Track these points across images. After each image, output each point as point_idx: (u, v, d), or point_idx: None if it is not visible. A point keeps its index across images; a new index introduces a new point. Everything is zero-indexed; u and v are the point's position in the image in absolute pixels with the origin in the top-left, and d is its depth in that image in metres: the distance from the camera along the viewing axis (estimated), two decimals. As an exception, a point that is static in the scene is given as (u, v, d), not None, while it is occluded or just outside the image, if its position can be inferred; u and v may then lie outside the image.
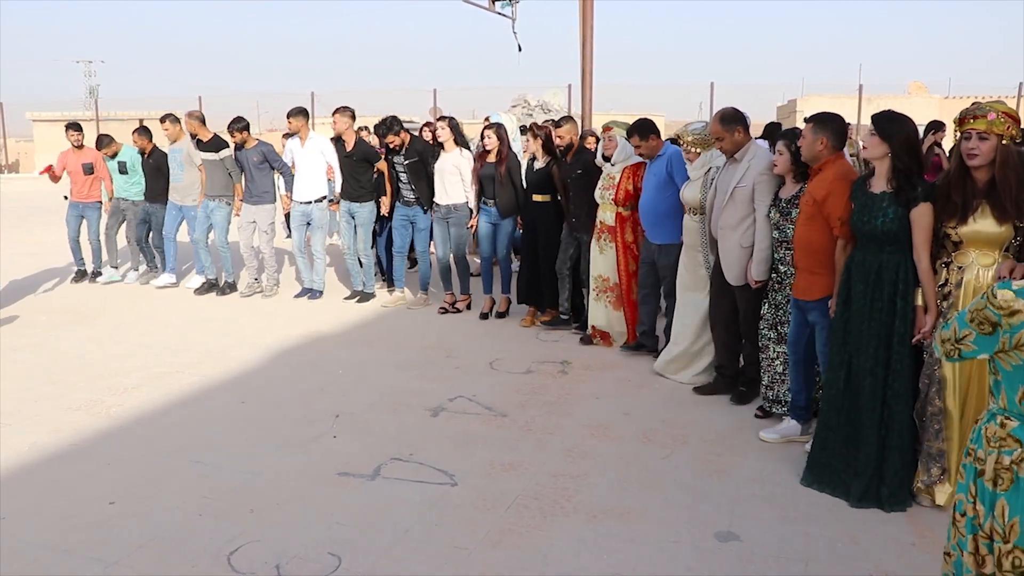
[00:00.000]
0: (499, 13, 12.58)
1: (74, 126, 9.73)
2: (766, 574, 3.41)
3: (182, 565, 3.50)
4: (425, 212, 8.10)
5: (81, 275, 9.94)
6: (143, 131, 9.56)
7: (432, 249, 8.46)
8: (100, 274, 9.93)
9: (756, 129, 6.12)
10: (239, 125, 8.67)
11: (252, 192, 8.79)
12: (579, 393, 5.71)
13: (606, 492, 4.16)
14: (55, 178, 9.60)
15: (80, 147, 9.70)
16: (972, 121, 3.67)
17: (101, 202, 9.85)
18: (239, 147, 8.81)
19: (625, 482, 4.27)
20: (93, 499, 4.10)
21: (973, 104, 3.76)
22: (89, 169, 9.66)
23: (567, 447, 4.75)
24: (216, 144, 8.93)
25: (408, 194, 8.13)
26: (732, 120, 5.19)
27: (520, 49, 12.87)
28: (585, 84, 11.64)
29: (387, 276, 9.03)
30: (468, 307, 8.22)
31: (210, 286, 9.27)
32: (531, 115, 24.87)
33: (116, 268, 10.04)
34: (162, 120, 9.23)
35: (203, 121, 9.01)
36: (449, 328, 7.55)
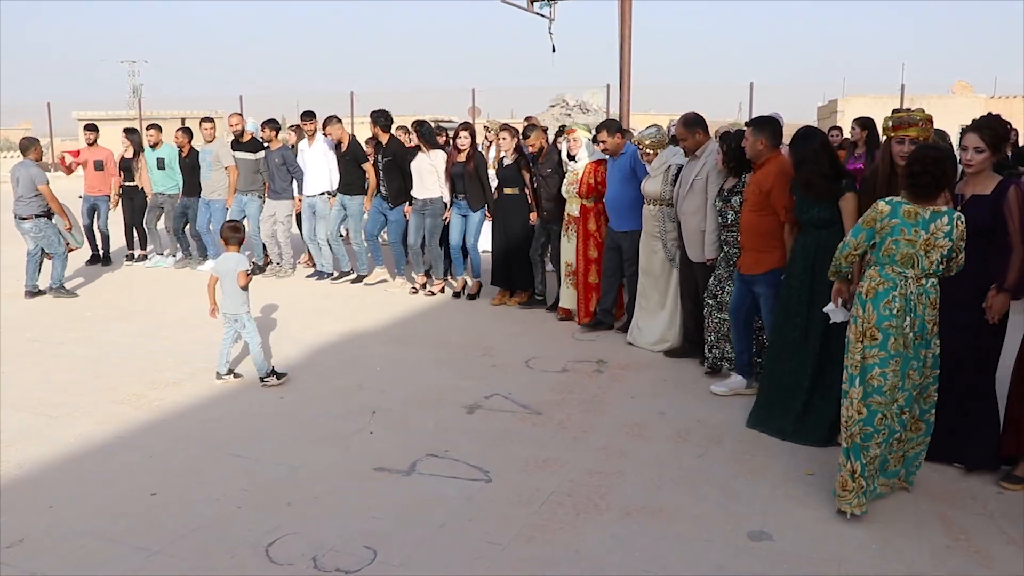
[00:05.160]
0: (538, 13, 12.55)
1: (90, 127, 10.90)
2: (798, 574, 3.41)
3: (222, 555, 3.58)
4: (392, 208, 9.02)
5: (95, 259, 10.97)
6: (185, 131, 10.47)
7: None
8: (110, 259, 11.05)
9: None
10: (273, 125, 9.76)
11: (273, 189, 9.88)
12: (614, 392, 5.73)
13: (639, 490, 4.18)
14: (67, 169, 10.71)
15: (92, 144, 10.76)
16: (907, 128, 4.44)
17: (110, 196, 10.80)
18: (266, 145, 9.79)
19: (659, 480, 4.29)
20: (136, 489, 4.21)
21: (905, 112, 4.51)
22: (99, 165, 10.62)
23: (601, 445, 4.77)
24: (254, 145, 9.93)
25: (383, 189, 9.07)
26: (693, 124, 6.08)
27: (554, 50, 12.84)
28: (623, 85, 11.58)
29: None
30: (442, 291, 9.04)
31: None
32: (569, 115, 24.88)
33: (162, 255, 11.02)
34: (203, 121, 10.30)
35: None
36: (486, 326, 7.60)
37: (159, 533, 3.76)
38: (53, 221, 8.71)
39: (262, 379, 5.87)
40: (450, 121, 21.29)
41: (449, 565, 3.49)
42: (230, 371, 6.02)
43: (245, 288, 5.92)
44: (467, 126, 8.59)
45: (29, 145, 8.87)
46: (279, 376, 5.92)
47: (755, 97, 22.62)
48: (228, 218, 10.07)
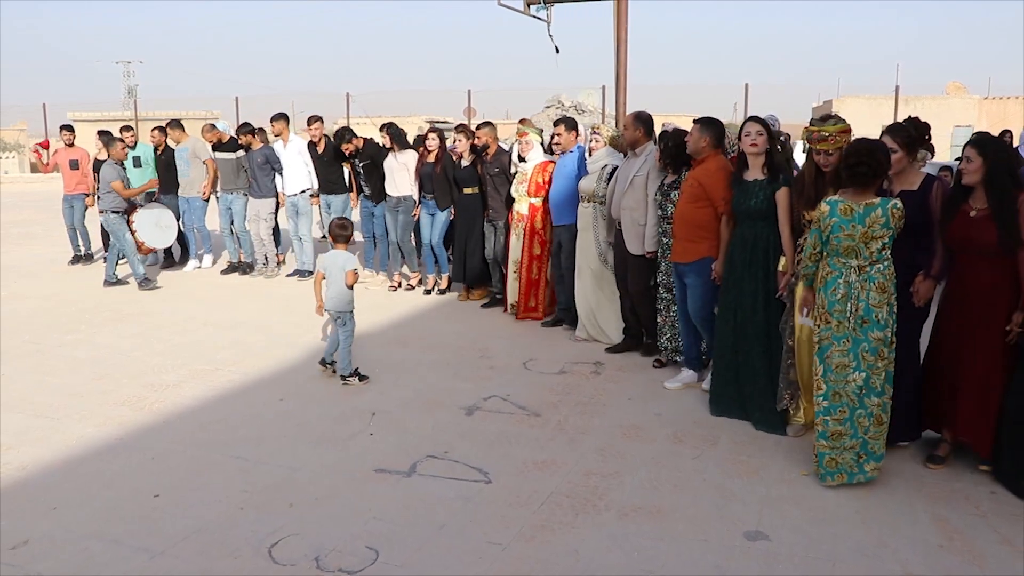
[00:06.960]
0: (534, 16, 12.56)
1: (67, 127, 11.21)
2: (794, 574, 3.46)
3: (225, 556, 3.61)
4: (376, 205, 9.44)
5: (77, 259, 11.19)
6: (160, 130, 10.64)
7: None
8: (91, 256, 11.32)
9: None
10: (246, 129, 9.88)
11: (256, 188, 9.96)
12: (611, 394, 5.77)
13: (637, 491, 4.22)
14: (44, 167, 11.11)
15: (70, 145, 11.10)
16: (820, 144, 4.70)
17: (87, 194, 11.08)
18: (246, 149, 9.87)
19: (656, 481, 4.33)
20: (138, 491, 4.24)
21: (816, 129, 4.72)
22: (75, 165, 10.96)
23: (599, 446, 4.81)
24: (233, 145, 10.08)
25: (366, 189, 9.51)
26: (641, 121, 6.36)
27: (558, 51, 12.86)
28: (619, 85, 11.58)
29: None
30: (420, 283, 9.47)
31: (233, 267, 10.48)
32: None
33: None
34: (167, 125, 10.46)
35: (214, 127, 10.43)
36: (484, 328, 7.64)
37: (162, 535, 3.79)
38: (133, 217, 9.44)
39: (344, 378, 5.95)
40: (445, 122, 21.30)
41: (450, 565, 3.53)
42: (333, 362, 6.12)
43: (351, 287, 5.98)
44: (436, 129, 8.95)
45: (108, 144, 9.51)
46: (361, 378, 5.97)
47: (750, 98, 22.67)
48: (220, 217, 10.33)
